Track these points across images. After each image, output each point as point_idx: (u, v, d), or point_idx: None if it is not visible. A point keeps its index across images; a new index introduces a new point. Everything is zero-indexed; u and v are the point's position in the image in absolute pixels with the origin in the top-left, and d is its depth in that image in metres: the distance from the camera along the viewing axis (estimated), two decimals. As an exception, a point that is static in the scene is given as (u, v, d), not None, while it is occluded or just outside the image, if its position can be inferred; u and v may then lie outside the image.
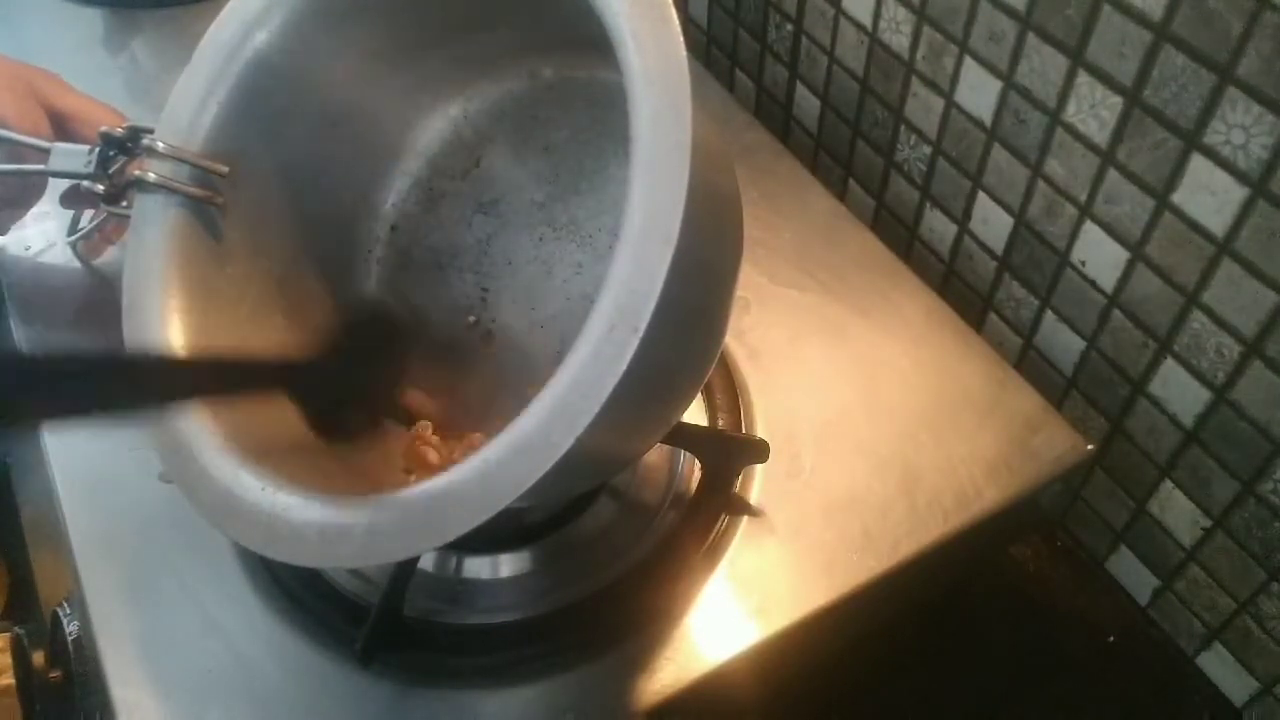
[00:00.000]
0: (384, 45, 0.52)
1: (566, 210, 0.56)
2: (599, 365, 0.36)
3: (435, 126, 0.57)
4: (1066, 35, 0.55)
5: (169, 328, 0.46)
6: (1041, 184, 0.61)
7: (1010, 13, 0.58)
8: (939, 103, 0.66)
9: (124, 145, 0.51)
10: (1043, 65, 0.57)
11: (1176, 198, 0.53)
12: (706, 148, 0.40)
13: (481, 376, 0.55)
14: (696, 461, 0.57)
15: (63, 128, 0.60)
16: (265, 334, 0.50)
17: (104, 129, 0.51)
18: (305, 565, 0.51)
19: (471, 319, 0.57)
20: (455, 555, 0.56)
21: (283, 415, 0.49)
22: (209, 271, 0.48)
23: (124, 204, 0.53)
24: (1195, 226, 0.53)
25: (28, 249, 0.69)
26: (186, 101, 0.49)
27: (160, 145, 0.47)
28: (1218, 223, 0.51)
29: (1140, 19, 0.50)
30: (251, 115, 0.49)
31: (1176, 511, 0.61)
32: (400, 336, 0.55)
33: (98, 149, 0.53)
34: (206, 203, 0.48)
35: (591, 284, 0.55)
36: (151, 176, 0.47)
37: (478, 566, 0.55)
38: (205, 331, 0.47)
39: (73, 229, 0.65)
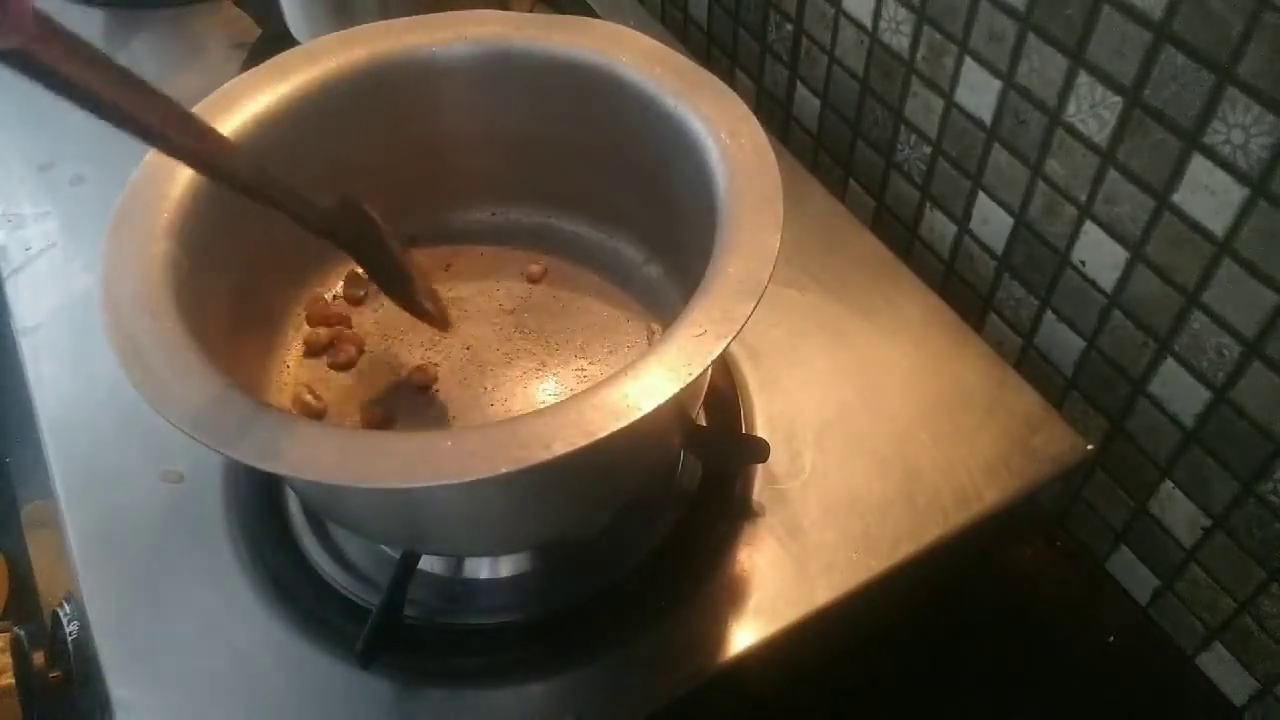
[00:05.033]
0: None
1: (535, 319, 0.58)
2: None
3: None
4: (1066, 35, 0.55)
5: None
6: (1041, 184, 0.61)
7: (1010, 13, 0.58)
8: (939, 103, 0.66)
9: None
10: (1043, 65, 0.57)
11: (1176, 198, 0.53)
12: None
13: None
14: (697, 461, 0.57)
15: None
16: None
17: None
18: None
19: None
20: (455, 555, 0.56)
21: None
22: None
23: None
24: (1195, 226, 0.53)
25: (28, 249, 0.69)
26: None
27: None
28: (1218, 223, 0.51)
29: (1140, 19, 0.50)
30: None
31: (1176, 511, 0.61)
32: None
33: None
34: None
35: (552, 385, 0.55)
36: None
37: (477, 566, 0.55)
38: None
39: None
